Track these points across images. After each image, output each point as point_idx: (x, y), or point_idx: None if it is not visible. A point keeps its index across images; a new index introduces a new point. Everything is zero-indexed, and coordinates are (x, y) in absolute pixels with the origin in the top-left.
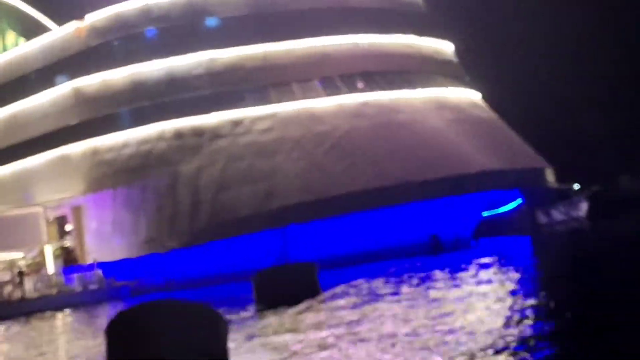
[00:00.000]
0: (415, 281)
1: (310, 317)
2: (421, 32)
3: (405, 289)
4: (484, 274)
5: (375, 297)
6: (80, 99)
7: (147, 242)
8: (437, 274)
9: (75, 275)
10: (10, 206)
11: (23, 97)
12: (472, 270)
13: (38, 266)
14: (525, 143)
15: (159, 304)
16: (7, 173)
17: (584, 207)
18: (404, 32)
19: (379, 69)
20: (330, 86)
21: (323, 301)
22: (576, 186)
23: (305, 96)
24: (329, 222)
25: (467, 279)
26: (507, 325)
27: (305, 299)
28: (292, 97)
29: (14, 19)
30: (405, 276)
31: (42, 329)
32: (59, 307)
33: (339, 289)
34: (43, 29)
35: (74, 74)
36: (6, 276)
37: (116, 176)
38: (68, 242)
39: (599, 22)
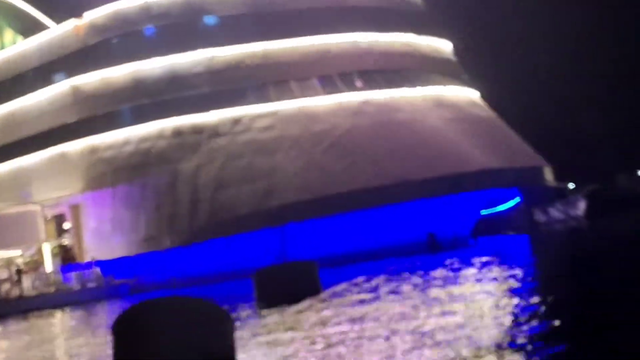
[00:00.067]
0: (414, 279)
1: (313, 315)
2: (420, 30)
3: (405, 287)
4: (483, 273)
5: (376, 295)
6: (79, 97)
7: (146, 240)
8: (436, 272)
9: (73, 274)
10: (8, 204)
11: (21, 95)
12: (470, 268)
13: (36, 264)
14: (523, 142)
15: (165, 301)
16: (5, 171)
17: (582, 206)
18: (403, 30)
19: (377, 68)
20: (329, 85)
21: (324, 299)
22: (571, 185)
23: (304, 94)
24: (327, 220)
25: (466, 277)
26: (506, 324)
27: (307, 297)
28: (291, 96)
29: (12, 17)
30: (405, 274)
31: (40, 327)
32: (57, 305)
33: (339, 287)
34: (41, 27)
35: (72, 71)
36: (4, 274)
37: (115, 174)
38: (66, 240)
39: (597, 21)
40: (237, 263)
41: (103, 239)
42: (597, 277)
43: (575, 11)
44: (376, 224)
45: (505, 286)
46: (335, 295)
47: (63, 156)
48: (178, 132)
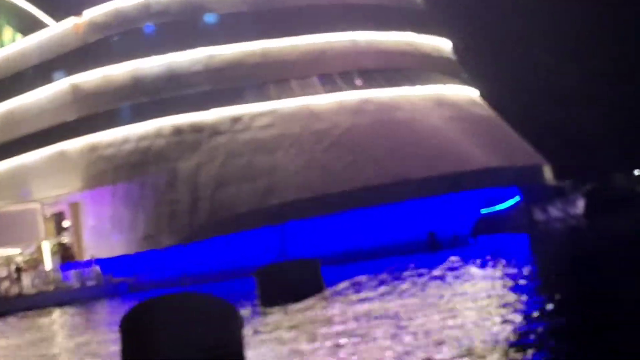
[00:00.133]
0: (416, 278)
1: (318, 313)
2: (420, 29)
3: (408, 285)
4: (483, 272)
5: (380, 293)
6: (78, 95)
7: (146, 239)
8: (437, 270)
9: (72, 272)
10: (8, 202)
11: (21, 93)
12: (470, 267)
13: (35, 262)
14: (523, 140)
15: (174, 297)
16: (4, 169)
17: (581, 205)
18: (403, 29)
19: (377, 66)
20: (330, 83)
21: (328, 297)
22: (569, 183)
23: (304, 93)
24: (327, 219)
25: (466, 276)
26: (506, 324)
27: (310, 296)
28: (291, 94)
29: (11, 15)
30: (407, 273)
31: (41, 326)
32: (57, 304)
33: (342, 285)
34: (40, 25)
35: (72, 70)
36: (3, 272)
37: (114, 172)
38: (65, 239)
39: (597, 20)
40: (236, 261)
41: (102, 237)
42: (597, 276)
43: (574, 10)
44: (376, 222)
45: (504, 285)
46: (339, 293)
47: (62, 154)
48: (178, 131)
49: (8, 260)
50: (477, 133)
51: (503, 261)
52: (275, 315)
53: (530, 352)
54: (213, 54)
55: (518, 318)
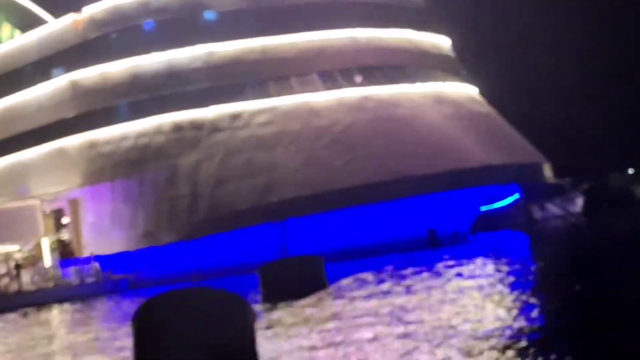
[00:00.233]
0: (418, 275)
1: (322, 310)
2: (419, 26)
3: (410, 282)
4: (482, 270)
5: (383, 290)
6: (78, 92)
7: (145, 236)
8: (438, 268)
9: (72, 269)
10: (7, 199)
11: (19, 90)
12: (470, 265)
13: (34, 259)
14: (522, 138)
15: (186, 292)
16: (3, 166)
17: (579, 203)
18: (402, 26)
19: (377, 64)
20: (329, 80)
21: (332, 294)
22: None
23: (304, 90)
24: (327, 216)
25: (466, 273)
26: (506, 323)
27: (313, 292)
28: (291, 91)
29: (10, 11)
30: (408, 270)
31: (40, 322)
32: (56, 300)
33: (345, 282)
34: (39, 22)
35: (71, 66)
36: (2, 269)
37: (114, 169)
38: (65, 235)
39: (597, 19)
40: (236, 258)
41: (102, 233)
42: (596, 276)
43: (574, 10)
44: (376, 219)
45: (504, 284)
46: (343, 290)
47: (62, 151)
48: (177, 128)
49: (7, 256)
50: (476, 130)
51: (502, 259)
52: (280, 312)
53: (530, 351)
54: (212, 51)
55: (517, 317)
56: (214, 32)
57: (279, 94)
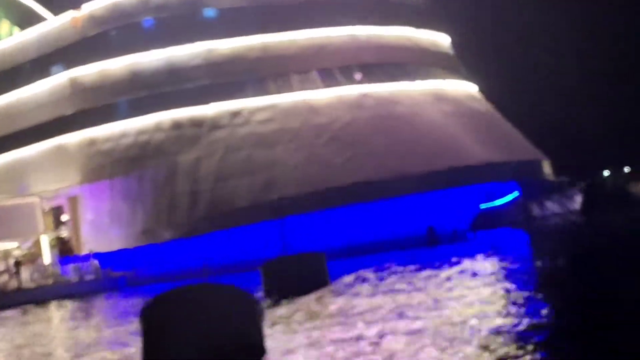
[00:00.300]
0: (419, 272)
1: (326, 306)
2: (419, 24)
3: (411, 279)
4: (482, 268)
5: (385, 287)
6: (77, 89)
7: (144, 233)
8: (438, 265)
9: (71, 266)
10: (6, 196)
11: (18, 87)
12: (470, 263)
13: (33, 256)
14: (522, 136)
15: (195, 287)
16: (3, 163)
17: (578, 200)
18: (402, 24)
19: (376, 61)
20: (329, 78)
21: (334, 291)
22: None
23: (303, 87)
24: (326, 213)
25: (465, 271)
26: (506, 322)
27: (315, 289)
28: (290, 89)
29: (9, 8)
30: (409, 267)
31: (39, 319)
32: (55, 298)
33: (347, 279)
34: (38, 19)
35: (70, 63)
36: (1, 266)
37: (113, 166)
38: (64, 233)
39: (597, 19)
40: (236, 256)
41: (101, 231)
42: (596, 276)
43: (574, 10)
44: (375, 217)
45: (503, 283)
46: (345, 287)
47: (61, 148)
48: (177, 125)
49: (5, 254)
50: (476, 128)
51: (502, 257)
52: (283, 309)
53: (530, 351)
54: (212, 48)
55: (517, 317)
56: (213, 30)
57: (278, 92)
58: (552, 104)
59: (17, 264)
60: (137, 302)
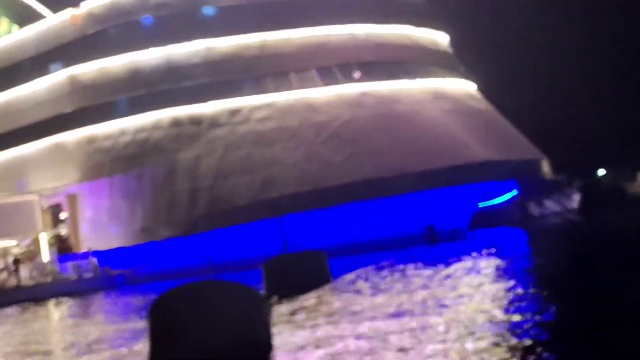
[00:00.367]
0: (419, 271)
1: (327, 304)
2: (418, 22)
3: (411, 278)
4: (482, 267)
5: (386, 285)
6: (76, 87)
7: (143, 231)
8: (438, 264)
9: (70, 264)
10: (5, 194)
11: (17, 85)
12: (470, 262)
13: (32, 254)
14: (521, 134)
15: (202, 284)
16: (2, 161)
17: (576, 199)
18: (401, 22)
19: (376, 59)
20: (328, 76)
21: (336, 289)
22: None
23: (302, 86)
24: (326, 212)
25: (465, 270)
26: (505, 322)
27: (316, 287)
28: (289, 87)
29: (8, 6)
30: (410, 266)
31: (38, 317)
32: (54, 295)
33: (348, 277)
34: (37, 17)
35: (69, 61)
36: (0, 264)
37: (112, 164)
38: (63, 230)
39: (597, 18)
40: (235, 254)
41: (100, 229)
42: (595, 275)
43: (574, 10)
44: (375, 215)
45: (503, 282)
46: (347, 285)
47: (60, 146)
48: (176, 123)
49: (4, 252)
50: (475, 127)
51: (501, 256)
52: (285, 306)
53: (530, 351)
54: (211, 47)
55: (517, 317)
56: (212, 28)
57: (278, 90)
58: (552, 104)
59: (16, 261)
60: (135, 300)
